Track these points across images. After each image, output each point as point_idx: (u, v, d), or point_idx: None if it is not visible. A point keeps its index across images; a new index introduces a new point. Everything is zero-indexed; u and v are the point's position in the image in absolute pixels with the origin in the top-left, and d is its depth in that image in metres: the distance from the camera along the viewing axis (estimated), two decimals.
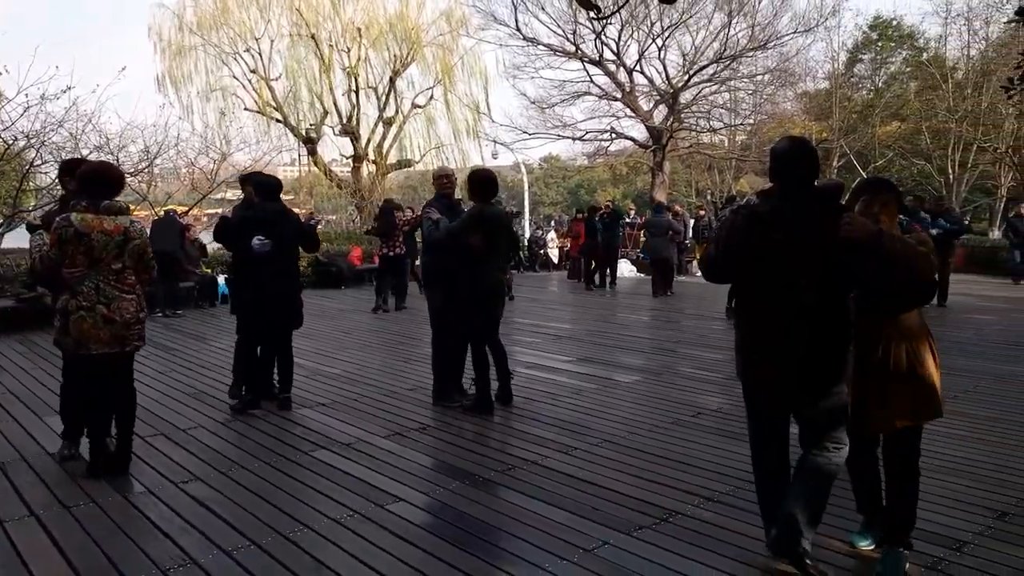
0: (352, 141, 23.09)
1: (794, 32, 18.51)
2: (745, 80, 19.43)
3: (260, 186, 5.48)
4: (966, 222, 24.49)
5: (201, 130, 19.67)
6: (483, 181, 5.48)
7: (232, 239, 5.57)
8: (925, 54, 30.03)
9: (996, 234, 22.53)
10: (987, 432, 4.90)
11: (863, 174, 25.22)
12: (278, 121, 22.45)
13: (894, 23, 33.20)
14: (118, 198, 4.09)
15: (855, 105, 27.61)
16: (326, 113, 22.95)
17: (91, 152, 14.30)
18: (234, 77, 21.50)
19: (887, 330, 2.95)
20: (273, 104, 22.30)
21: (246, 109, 22.12)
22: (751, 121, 22.00)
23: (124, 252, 3.97)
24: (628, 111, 18.84)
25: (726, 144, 22.91)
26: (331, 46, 22.34)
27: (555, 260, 18.44)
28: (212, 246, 13.76)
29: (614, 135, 19.53)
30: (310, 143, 22.88)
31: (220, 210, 21.19)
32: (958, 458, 4.35)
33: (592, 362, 7.39)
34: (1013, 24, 23.73)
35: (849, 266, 2.80)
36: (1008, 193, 23.40)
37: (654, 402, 5.82)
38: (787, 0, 18.44)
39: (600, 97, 19.02)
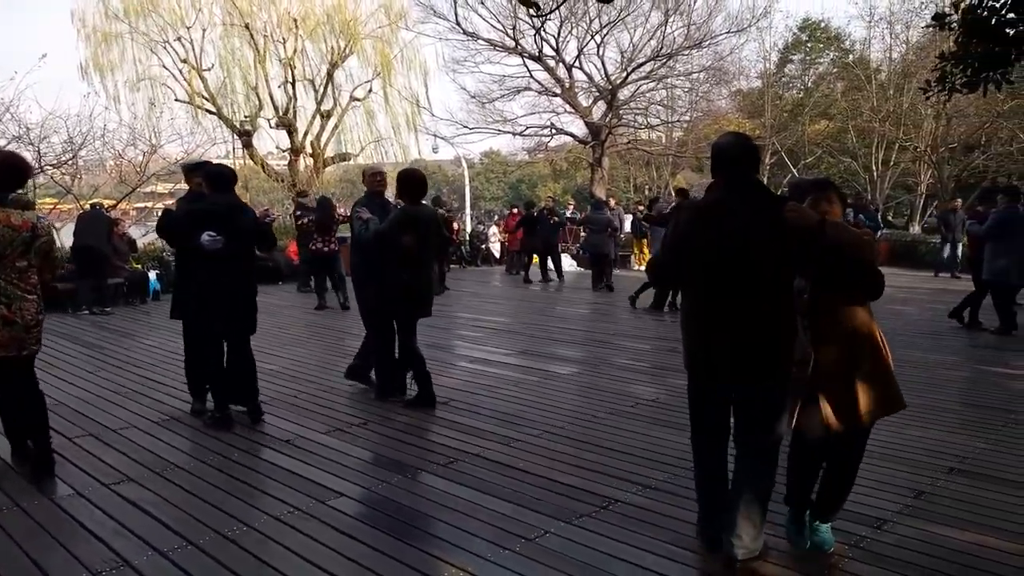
0: (289, 134, 22.63)
1: (727, 32, 19.02)
2: (681, 78, 19.86)
3: (212, 176, 4.96)
4: (889, 218, 25.62)
5: (129, 121, 18.98)
6: (412, 181, 5.46)
7: (178, 235, 5.05)
8: (851, 56, 31.20)
9: (916, 229, 23.59)
10: (910, 417, 5.13)
11: (794, 171, 26.10)
12: (211, 112, 21.82)
13: (822, 25, 34.41)
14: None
15: (786, 104, 28.48)
16: (261, 105, 22.41)
17: (9, 143, 13.67)
18: (163, 67, 20.79)
19: (845, 325, 2.97)
20: (205, 95, 21.66)
21: (177, 100, 21.43)
22: (687, 118, 22.48)
23: (31, 250, 3.79)
24: (568, 107, 19.00)
25: (664, 141, 23.34)
26: (266, 36, 21.82)
27: (497, 255, 18.47)
28: (143, 241, 13.34)
29: (554, 131, 19.70)
30: (245, 135, 22.31)
31: (150, 204, 20.48)
32: (882, 442, 4.54)
33: (531, 355, 7.46)
34: (931, 29, 24.91)
35: (798, 257, 2.86)
36: (927, 190, 24.52)
37: (592, 393, 5.92)
38: (721, 0, 18.92)
39: (540, 93, 19.14)
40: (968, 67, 7.74)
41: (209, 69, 21.65)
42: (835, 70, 31.59)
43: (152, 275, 11.91)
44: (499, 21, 18.35)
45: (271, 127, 23.01)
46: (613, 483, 3.95)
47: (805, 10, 56.35)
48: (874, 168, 23.34)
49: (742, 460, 3.04)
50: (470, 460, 4.34)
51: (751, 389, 2.97)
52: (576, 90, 18.71)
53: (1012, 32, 6.69)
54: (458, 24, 18.54)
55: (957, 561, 3.09)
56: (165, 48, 20.50)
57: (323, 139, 23.10)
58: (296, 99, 22.36)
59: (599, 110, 18.75)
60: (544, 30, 17.73)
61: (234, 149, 24.15)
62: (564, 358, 7.37)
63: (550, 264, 14.24)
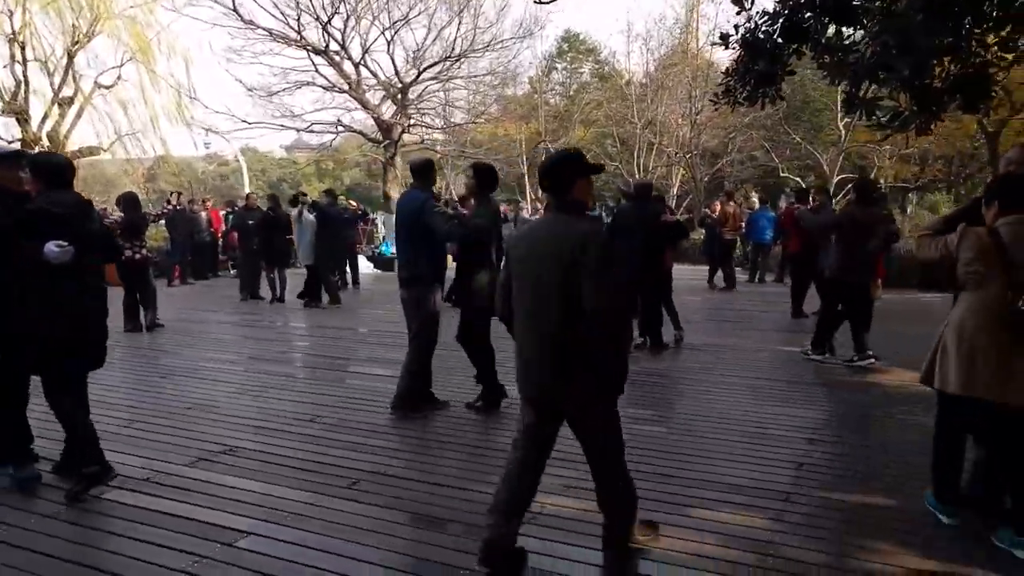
0: (19, 122, 19.49)
1: (512, 37, 19.70)
2: (464, 80, 20.14)
3: (45, 167, 3.82)
4: None
5: None
6: (494, 174, 5.45)
7: (5, 243, 3.67)
8: (607, 67, 33.99)
9: None
10: (767, 396, 5.71)
11: None
12: None
13: (580, 37, 37.11)
14: None
15: (552, 110, 30.22)
16: None
17: None
18: None
19: None
20: None
21: None
22: (475, 120, 22.82)
23: None
24: (356, 104, 18.42)
25: (450, 143, 23.56)
26: None
27: None
28: None
29: (341, 128, 18.93)
30: None
31: None
32: (754, 421, 5.01)
33: (379, 362, 7.16)
34: (675, 47, 28.20)
35: None
36: (677, 191, 27.44)
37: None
38: (507, 7, 19.45)
39: (326, 88, 18.32)
40: (747, 83, 8.75)
41: None
42: (594, 80, 34.20)
43: None
44: (280, 10, 17.24)
45: None
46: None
47: (569, 23, 60.35)
48: (636, 172, 25.60)
49: None
50: (373, 479, 4.04)
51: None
52: (364, 87, 18.21)
53: (782, 53, 7.69)
54: (235, 10, 17.12)
55: (853, 520, 3.48)
56: None
57: (62, 130, 20.23)
58: (28, 82, 19.34)
59: (389, 109, 18.45)
60: (330, 24, 17.02)
61: None
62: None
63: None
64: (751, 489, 3.81)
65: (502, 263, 3.29)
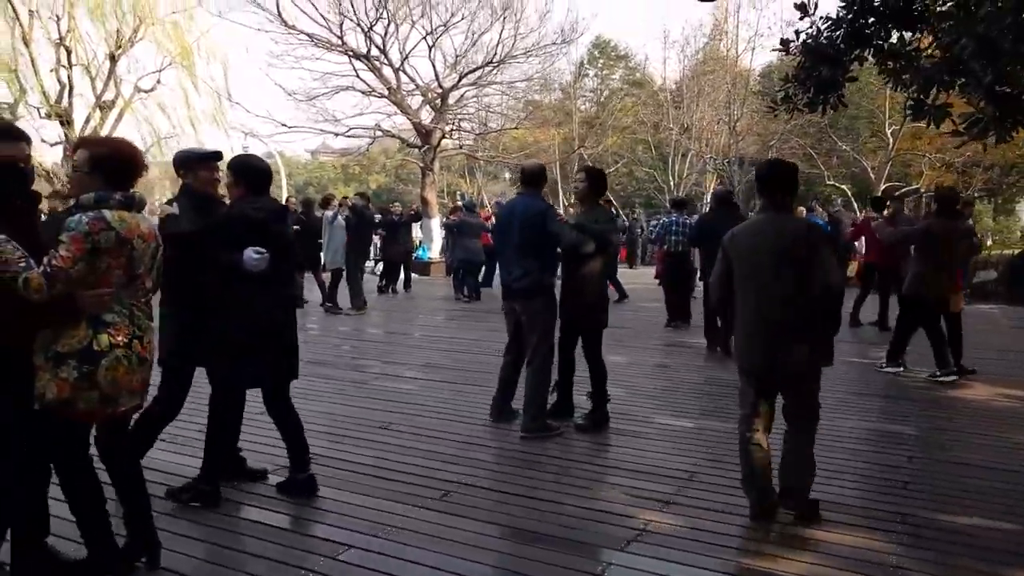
0: (62, 125, 19.80)
1: (554, 43, 19.55)
2: (500, 86, 20.01)
3: (254, 172, 3.68)
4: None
5: None
6: (605, 178, 5.41)
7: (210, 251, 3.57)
8: (638, 73, 33.86)
9: None
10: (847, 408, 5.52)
11: None
12: None
13: (612, 44, 37.03)
14: None
15: (584, 116, 30.08)
16: (24, 91, 19.40)
17: None
18: None
19: None
20: None
21: None
22: (502, 127, 22.68)
23: (154, 265, 2.92)
24: (396, 109, 18.40)
25: (485, 148, 23.45)
26: (32, 12, 18.91)
27: None
28: None
29: (379, 133, 18.93)
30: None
31: None
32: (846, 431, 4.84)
33: (436, 367, 7.06)
34: (710, 52, 27.98)
35: None
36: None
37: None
38: (549, 13, 19.28)
39: (365, 93, 18.33)
40: (808, 90, 8.56)
41: None
42: (624, 86, 34.07)
43: None
44: (323, 16, 17.27)
45: (40, 116, 20.01)
46: (635, 503, 3.75)
47: (600, 29, 60.38)
48: (671, 178, 25.40)
49: None
50: (463, 491, 3.92)
51: None
52: (404, 92, 18.20)
53: (844, 58, 7.51)
54: (279, 15, 17.17)
55: (978, 546, 3.31)
56: None
57: (104, 132, 20.49)
58: (73, 86, 19.65)
59: (428, 114, 18.41)
60: (372, 29, 17.03)
61: None
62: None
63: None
64: (861, 508, 3.65)
65: (717, 256, 3.66)
